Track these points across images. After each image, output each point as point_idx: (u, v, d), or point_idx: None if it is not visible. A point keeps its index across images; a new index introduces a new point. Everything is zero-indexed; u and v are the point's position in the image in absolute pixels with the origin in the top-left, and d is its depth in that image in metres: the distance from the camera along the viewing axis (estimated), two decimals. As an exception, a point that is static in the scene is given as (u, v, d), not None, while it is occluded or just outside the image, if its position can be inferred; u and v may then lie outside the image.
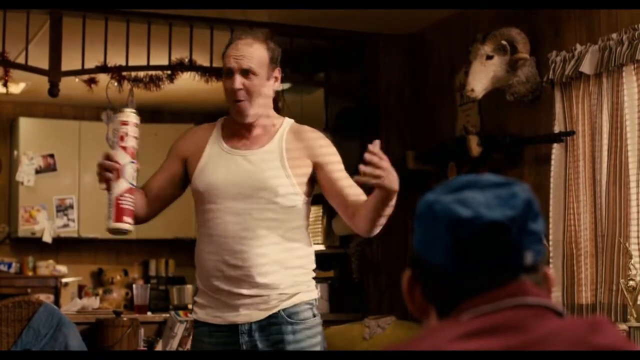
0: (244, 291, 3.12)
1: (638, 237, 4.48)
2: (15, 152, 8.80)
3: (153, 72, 6.22)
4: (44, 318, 5.27)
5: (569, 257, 4.80)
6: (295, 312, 3.16)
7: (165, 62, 6.15)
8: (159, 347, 5.74)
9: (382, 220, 3.15)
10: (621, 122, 4.56)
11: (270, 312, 3.14)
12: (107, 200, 3.15)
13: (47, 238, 8.61)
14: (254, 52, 3.17)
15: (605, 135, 4.67)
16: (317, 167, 3.20)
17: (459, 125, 5.97)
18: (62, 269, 8.81)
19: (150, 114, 8.99)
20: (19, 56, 6.07)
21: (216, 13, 5.97)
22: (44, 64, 5.86)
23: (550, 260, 4.88)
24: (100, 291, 8.72)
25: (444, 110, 6.19)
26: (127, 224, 3.15)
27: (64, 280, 8.66)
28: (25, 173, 8.66)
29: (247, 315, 3.14)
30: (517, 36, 5.14)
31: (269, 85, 3.22)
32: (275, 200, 3.13)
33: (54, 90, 5.88)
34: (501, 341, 1.26)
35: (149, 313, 6.27)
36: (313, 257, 3.28)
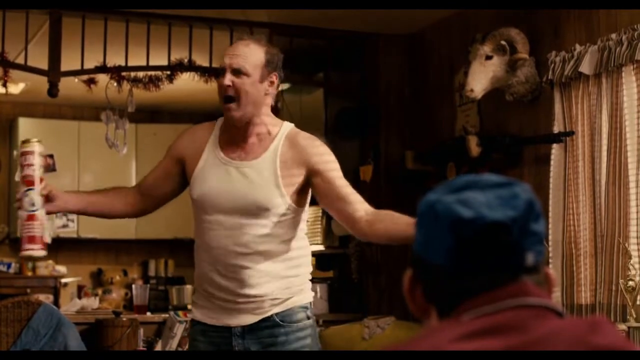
0: (237, 299, 3.15)
1: (637, 237, 4.48)
2: (15, 152, 8.77)
3: (152, 73, 6.22)
4: (43, 318, 5.27)
5: (568, 258, 4.80)
6: (288, 316, 3.17)
7: (165, 63, 6.15)
8: (158, 348, 5.74)
9: None
10: (620, 123, 4.56)
11: (263, 316, 3.16)
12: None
13: (47, 238, 8.60)
14: (250, 53, 3.14)
15: (604, 136, 4.67)
16: (313, 175, 3.15)
17: (458, 125, 5.97)
18: (62, 269, 8.81)
19: (149, 114, 9.01)
20: (18, 56, 6.07)
21: (216, 13, 5.97)
22: (43, 64, 5.86)
23: (550, 261, 4.88)
24: (100, 291, 8.71)
25: (444, 111, 6.19)
26: (30, 250, 3.21)
27: (63, 280, 8.66)
28: (25, 173, 8.65)
29: (241, 318, 3.16)
30: (516, 36, 5.14)
31: (262, 88, 3.15)
32: (268, 216, 3.12)
33: (53, 90, 5.88)
34: (502, 341, 1.26)
35: (148, 313, 6.27)
36: (309, 262, 3.28)
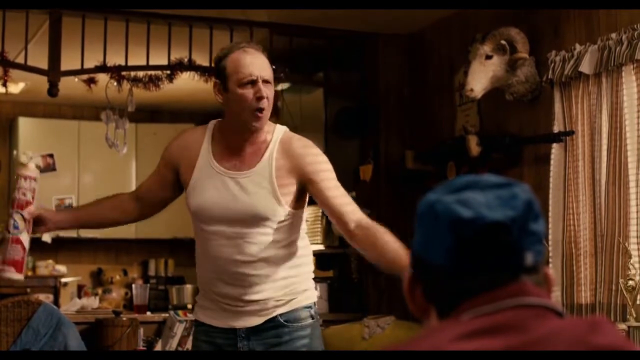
0: (242, 303, 3.16)
1: (637, 237, 4.48)
2: (15, 152, 8.79)
3: (152, 72, 6.22)
4: (43, 318, 5.27)
5: (568, 257, 4.80)
6: (293, 316, 3.19)
7: (165, 62, 6.15)
8: (158, 347, 5.74)
9: None
10: (620, 122, 4.56)
11: (268, 317, 3.17)
12: None
13: (47, 238, 8.60)
14: (267, 63, 3.17)
15: (604, 135, 4.67)
16: (307, 183, 3.15)
17: (458, 125, 5.97)
18: (62, 268, 8.81)
19: (149, 114, 9.00)
20: (18, 56, 6.07)
21: (216, 13, 5.97)
22: (43, 64, 5.86)
23: (550, 260, 4.88)
24: (100, 291, 8.71)
25: (444, 110, 6.19)
26: (8, 272, 3.24)
27: (63, 280, 8.66)
28: (25, 173, 8.65)
29: (246, 320, 3.18)
30: (516, 36, 5.14)
31: None
32: (268, 224, 3.12)
33: (53, 90, 5.88)
34: (501, 341, 1.26)
35: (148, 313, 6.27)
36: (311, 261, 3.29)
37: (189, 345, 5.64)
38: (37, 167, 3.24)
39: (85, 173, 8.93)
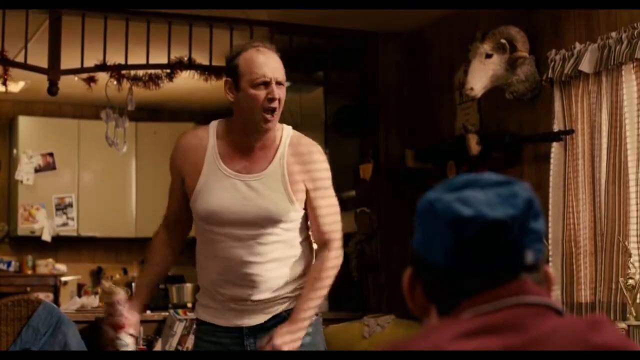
0: (249, 303, 3.16)
1: (637, 236, 4.48)
2: (15, 151, 8.80)
3: (152, 71, 6.22)
4: (43, 316, 5.26)
5: (568, 256, 4.80)
6: None
7: (165, 61, 6.15)
8: (158, 346, 5.74)
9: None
10: (620, 121, 4.56)
11: (273, 314, 3.17)
12: None
13: (47, 237, 8.61)
14: (280, 63, 3.16)
15: (604, 134, 4.67)
16: (307, 189, 3.17)
17: (458, 123, 5.97)
18: (62, 267, 8.81)
19: (149, 113, 9.00)
20: (18, 55, 6.07)
21: (216, 11, 5.96)
22: (43, 63, 5.86)
23: (550, 259, 4.88)
24: (100, 290, 8.71)
25: (443, 109, 6.19)
26: None
27: (63, 278, 8.66)
28: (25, 172, 8.66)
29: (252, 318, 3.17)
30: (516, 35, 5.14)
31: None
32: (281, 225, 3.12)
33: (53, 88, 5.88)
34: (502, 340, 1.26)
35: (148, 312, 6.26)
36: (314, 258, 3.29)
37: (189, 344, 5.64)
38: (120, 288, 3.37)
39: (85, 172, 8.94)
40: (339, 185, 3.36)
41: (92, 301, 6.87)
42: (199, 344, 3.30)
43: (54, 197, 8.81)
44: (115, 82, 6.12)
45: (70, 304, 6.77)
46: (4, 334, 5.23)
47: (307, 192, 3.15)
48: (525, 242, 1.32)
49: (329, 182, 3.21)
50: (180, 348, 5.65)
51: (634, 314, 4.33)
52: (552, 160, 4.99)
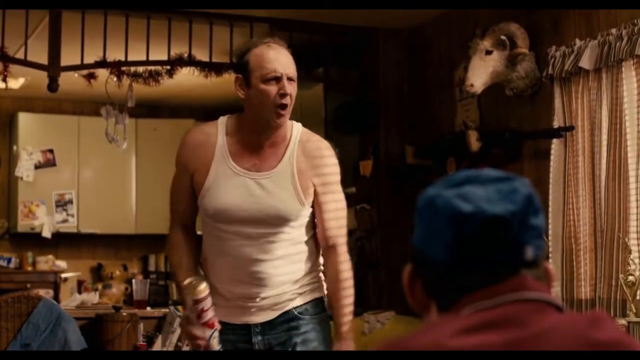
0: (257, 300, 3.15)
1: (637, 232, 4.48)
2: (15, 147, 8.79)
3: (152, 67, 6.21)
4: (43, 313, 5.27)
5: (568, 252, 4.80)
6: (306, 308, 3.19)
7: (165, 57, 6.15)
8: (158, 342, 5.75)
9: None
10: (620, 117, 4.56)
11: (282, 311, 3.17)
12: None
13: (47, 233, 8.61)
14: (291, 59, 3.15)
15: (604, 131, 4.67)
16: (315, 187, 3.16)
17: (458, 120, 5.97)
18: (62, 264, 8.81)
19: (149, 109, 9.00)
20: (18, 51, 6.07)
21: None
22: (43, 59, 5.86)
23: (550, 256, 4.88)
24: (100, 286, 8.71)
25: (443, 106, 6.19)
26: None
27: (63, 275, 8.66)
28: (25, 168, 8.66)
29: (260, 315, 3.17)
30: (516, 31, 5.14)
31: None
32: (291, 224, 3.12)
33: (53, 85, 5.88)
34: (502, 336, 1.26)
35: (148, 308, 6.27)
36: (321, 259, 3.29)
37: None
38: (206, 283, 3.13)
39: (85, 168, 8.94)
40: (338, 182, 3.36)
41: (92, 298, 6.88)
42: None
43: (54, 193, 8.81)
44: (115, 79, 6.12)
45: (70, 300, 6.78)
46: (4, 330, 5.24)
47: (316, 190, 3.14)
48: (525, 238, 1.32)
49: (337, 181, 3.20)
50: (180, 345, 5.65)
51: (634, 310, 4.33)
52: (552, 157, 4.99)
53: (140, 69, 6.21)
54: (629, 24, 4.54)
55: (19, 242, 8.88)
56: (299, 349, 3.16)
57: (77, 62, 5.99)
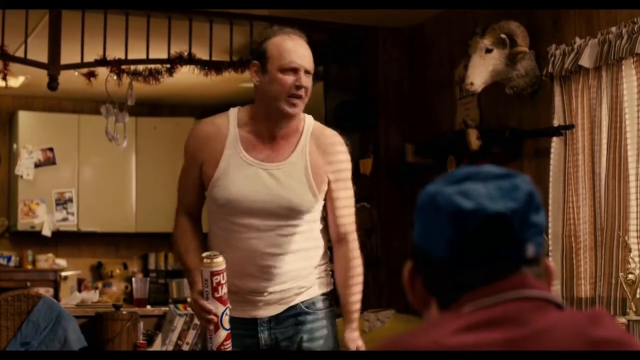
0: (265, 294, 3.14)
1: (637, 231, 4.48)
2: (15, 146, 8.80)
3: (152, 66, 6.21)
4: (43, 311, 5.27)
5: (568, 251, 4.80)
6: (313, 304, 3.20)
7: (165, 56, 6.15)
8: (158, 341, 5.74)
9: None
10: (620, 116, 4.56)
11: (289, 305, 3.17)
12: (208, 345, 3.03)
13: (47, 231, 8.61)
14: (309, 52, 3.13)
15: (604, 129, 4.67)
16: (328, 180, 3.16)
17: (458, 118, 5.97)
18: (62, 262, 8.81)
19: (149, 108, 9.00)
20: (18, 50, 6.06)
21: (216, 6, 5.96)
22: (43, 58, 5.86)
23: (550, 254, 4.88)
24: (100, 285, 8.72)
25: (443, 104, 6.19)
26: None
27: (63, 273, 8.67)
28: (25, 167, 8.67)
29: (267, 310, 3.16)
30: (516, 29, 5.14)
31: None
32: (302, 217, 3.11)
33: (53, 83, 5.87)
34: (502, 333, 1.26)
35: (148, 306, 6.26)
36: (328, 254, 3.29)
37: (189, 339, 5.64)
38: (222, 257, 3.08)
39: (85, 167, 8.94)
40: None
41: (92, 296, 6.88)
42: None
43: (54, 192, 8.82)
44: (115, 77, 6.11)
45: (70, 299, 6.77)
46: (4, 328, 5.24)
47: (329, 183, 3.14)
48: (526, 235, 1.32)
49: (349, 174, 3.20)
50: (180, 343, 5.65)
51: (634, 308, 4.33)
52: (552, 155, 4.99)
53: (140, 67, 6.21)
54: (629, 23, 4.54)
55: (19, 240, 8.88)
56: (305, 344, 3.16)
57: (77, 60, 5.99)
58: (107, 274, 9.09)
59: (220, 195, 3.10)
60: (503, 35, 5.13)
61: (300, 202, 3.09)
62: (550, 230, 4.90)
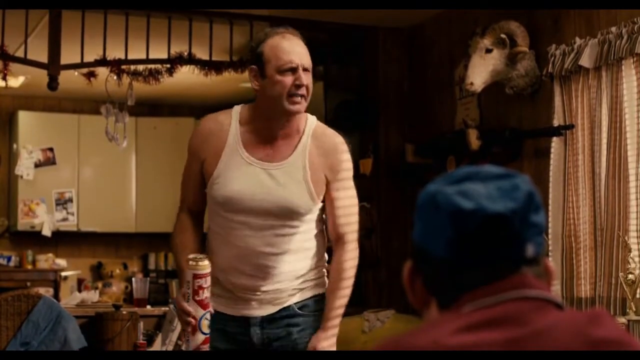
0: (259, 293, 3.14)
1: (637, 231, 4.48)
2: (15, 146, 8.80)
3: (152, 66, 6.21)
4: (43, 311, 5.27)
5: (568, 251, 4.80)
6: (306, 305, 3.19)
7: (165, 56, 6.15)
8: (158, 341, 5.74)
9: None
10: (620, 116, 4.56)
11: (282, 306, 3.16)
12: (184, 346, 3.06)
13: (47, 231, 8.61)
14: (306, 50, 3.12)
15: (604, 129, 4.67)
16: (327, 181, 3.15)
17: (458, 118, 5.97)
18: (62, 262, 8.81)
19: (149, 108, 9.00)
20: (18, 49, 6.07)
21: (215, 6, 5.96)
22: (43, 58, 5.86)
23: (550, 254, 4.88)
24: (100, 285, 8.72)
25: (443, 104, 6.19)
26: None
27: (63, 273, 8.67)
28: (25, 167, 8.67)
29: (260, 309, 3.16)
30: (516, 29, 5.14)
31: None
32: (299, 217, 3.10)
33: (53, 83, 5.87)
34: (502, 333, 1.26)
35: (148, 306, 6.26)
36: (326, 256, 3.29)
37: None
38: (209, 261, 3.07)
39: (85, 167, 8.94)
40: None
41: (92, 296, 6.88)
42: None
43: (54, 192, 8.82)
44: (115, 77, 6.11)
45: (70, 298, 6.77)
46: (4, 328, 5.24)
47: (329, 184, 3.13)
48: (526, 235, 1.32)
49: (350, 176, 3.19)
50: (180, 343, 5.65)
51: (634, 308, 4.33)
52: (552, 155, 4.99)
53: (140, 67, 6.21)
54: (629, 23, 4.54)
55: (19, 240, 8.89)
56: (297, 345, 3.16)
57: (77, 60, 5.99)
58: (107, 274, 9.09)
59: (218, 193, 3.11)
60: (503, 35, 5.13)
61: (298, 203, 3.08)
62: (550, 230, 4.90)
